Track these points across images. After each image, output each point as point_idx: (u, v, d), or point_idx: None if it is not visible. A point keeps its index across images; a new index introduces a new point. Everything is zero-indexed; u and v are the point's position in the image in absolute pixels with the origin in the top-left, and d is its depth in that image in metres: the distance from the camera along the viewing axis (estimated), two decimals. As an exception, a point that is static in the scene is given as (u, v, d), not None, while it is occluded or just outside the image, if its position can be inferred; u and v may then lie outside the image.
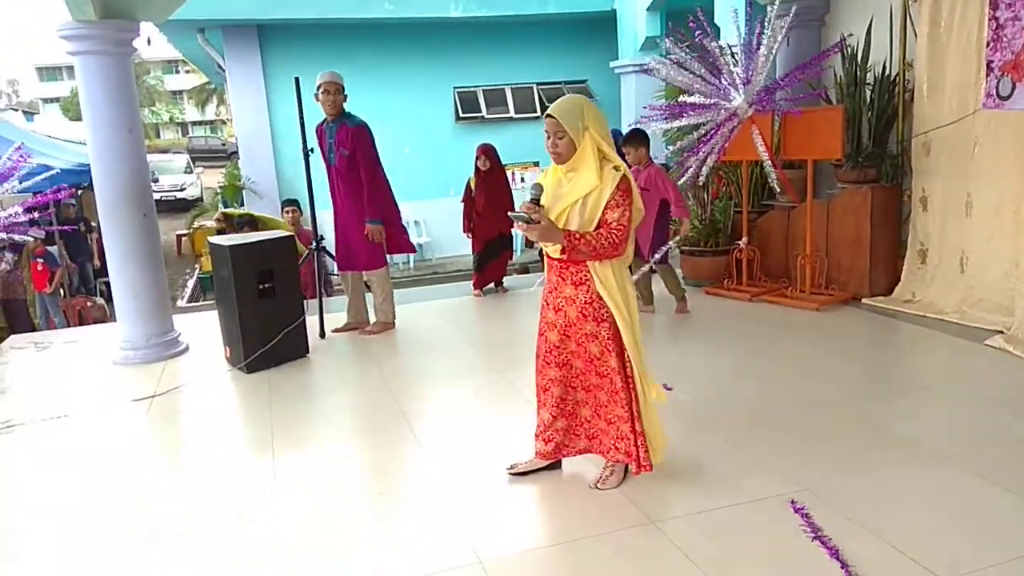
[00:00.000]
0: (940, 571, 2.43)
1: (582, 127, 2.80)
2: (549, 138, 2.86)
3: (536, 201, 2.85)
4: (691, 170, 5.74)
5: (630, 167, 4.64)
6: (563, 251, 2.83)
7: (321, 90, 5.22)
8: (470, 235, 6.76)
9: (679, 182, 5.75)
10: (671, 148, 6.11)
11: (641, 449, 2.99)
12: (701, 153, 5.68)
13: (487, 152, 6.52)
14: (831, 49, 5.61)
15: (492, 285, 6.76)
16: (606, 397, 2.99)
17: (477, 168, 6.55)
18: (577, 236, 2.79)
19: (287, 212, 7.67)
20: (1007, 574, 2.42)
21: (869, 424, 3.62)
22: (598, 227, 2.83)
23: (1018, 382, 4.06)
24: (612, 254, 2.85)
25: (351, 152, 5.24)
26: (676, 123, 5.78)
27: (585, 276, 2.90)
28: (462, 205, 6.78)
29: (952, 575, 2.41)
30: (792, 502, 2.87)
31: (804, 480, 3.05)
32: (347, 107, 5.32)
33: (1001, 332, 4.69)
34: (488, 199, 6.49)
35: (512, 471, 3.23)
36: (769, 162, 5.50)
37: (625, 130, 9.39)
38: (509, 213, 2.97)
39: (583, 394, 3.06)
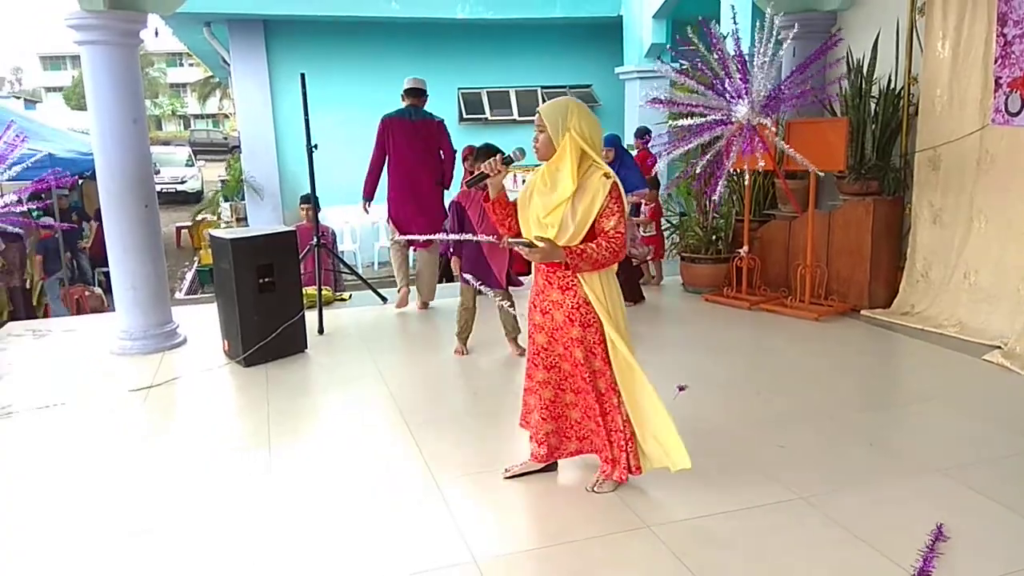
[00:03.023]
0: (934, 583, 2.43)
1: (563, 127, 2.81)
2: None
3: (507, 161, 2.94)
4: (719, 186, 5.67)
5: None
6: (566, 265, 2.82)
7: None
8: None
9: (713, 197, 5.73)
10: (693, 164, 5.91)
11: (631, 455, 2.99)
12: (727, 166, 5.61)
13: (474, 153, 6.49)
14: (828, 44, 5.56)
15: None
16: (594, 401, 2.99)
17: (464, 169, 6.47)
18: (578, 251, 2.78)
19: (303, 209, 7.52)
20: (1001, 588, 2.43)
21: (866, 435, 3.63)
22: (590, 234, 2.83)
23: (1014, 397, 4.07)
24: (612, 262, 2.86)
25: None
26: (687, 146, 5.71)
27: (572, 281, 2.90)
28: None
29: (946, 588, 2.42)
30: (938, 527, 2.74)
31: (801, 489, 3.05)
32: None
33: (999, 347, 4.70)
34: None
35: (507, 475, 3.23)
36: (807, 163, 5.37)
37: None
38: (508, 239, 3.00)
39: (572, 396, 3.06)
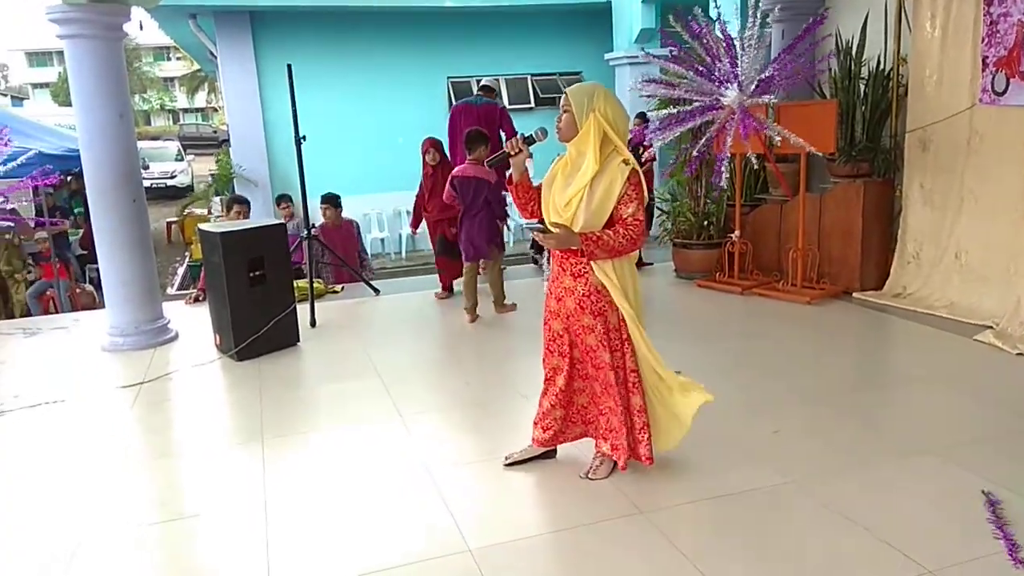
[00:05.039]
0: (927, 563, 2.44)
1: (588, 108, 2.80)
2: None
3: (529, 141, 2.93)
4: (723, 171, 5.62)
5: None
6: (582, 252, 2.82)
7: None
8: (415, 232, 6.65)
9: (720, 183, 5.70)
10: (685, 150, 5.88)
11: (642, 445, 2.99)
12: (726, 151, 5.57)
13: (435, 145, 5.93)
14: (814, 23, 5.46)
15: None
16: (600, 388, 3.00)
17: (425, 163, 5.91)
18: (594, 238, 2.78)
19: (323, 208, 7.16)
20: (992, 566, 2.44)
21: (858, 417, 3.64)
22: (611, 222, 2.83)
23: (1005, 377, 4.09)
24: (631, 249, 2.85)
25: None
26: (678, 130, 5.68)
27: (584, 268, 2.90)
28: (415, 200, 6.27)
29: (939, 567, 2.42)
30: (987, 494, 2.81)
31: (793, 472, 3.06)
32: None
33: (990, 327, 4.72)
34: (436, 198, 5.81)
35: (507, 462, 3.23)
36: (801, 141, 5.29)
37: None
38: (525, 224, 2.98)
39: (580, 382, 3.08)
